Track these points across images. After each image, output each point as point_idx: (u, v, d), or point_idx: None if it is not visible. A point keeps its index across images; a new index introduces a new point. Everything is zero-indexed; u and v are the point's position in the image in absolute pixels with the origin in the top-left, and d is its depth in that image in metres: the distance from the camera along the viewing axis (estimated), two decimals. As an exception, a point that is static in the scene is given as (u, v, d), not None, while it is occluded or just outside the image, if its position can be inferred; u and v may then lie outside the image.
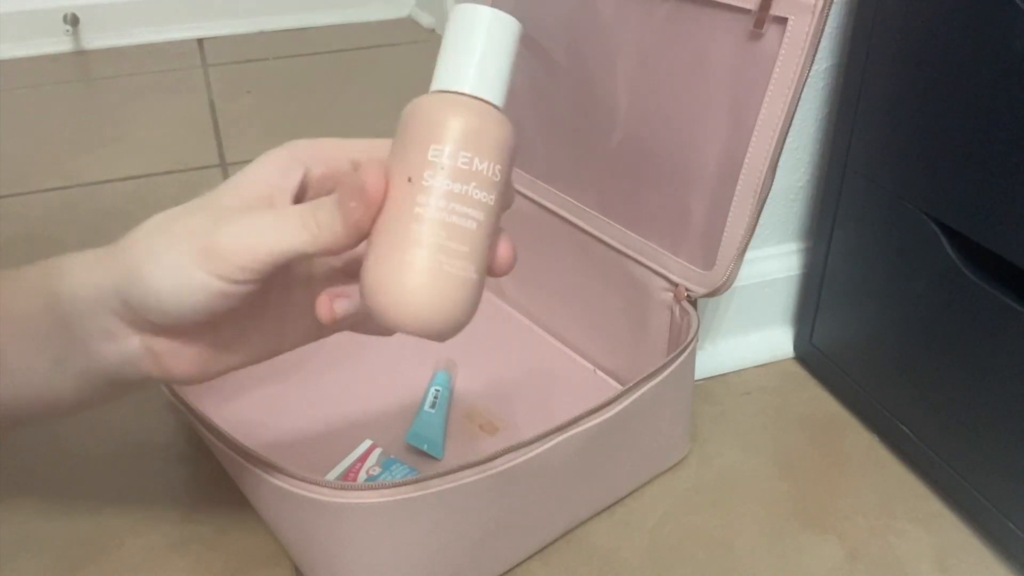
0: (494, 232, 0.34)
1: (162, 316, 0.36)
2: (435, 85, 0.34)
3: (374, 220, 0.33)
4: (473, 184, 0.32)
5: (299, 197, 0.37)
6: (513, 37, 0.34)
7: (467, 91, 0.33)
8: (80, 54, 1.56)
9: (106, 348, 0.38)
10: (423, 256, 0.32)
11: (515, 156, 0.35)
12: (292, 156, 0.37)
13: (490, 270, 0.35)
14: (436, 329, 0.33)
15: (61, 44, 1.56)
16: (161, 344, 0.38)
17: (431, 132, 0.33)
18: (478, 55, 0.33)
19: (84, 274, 0.37)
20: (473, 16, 0.34)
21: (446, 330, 0.33)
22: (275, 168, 0.36)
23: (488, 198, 0.33)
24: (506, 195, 0.35)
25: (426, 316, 0.32)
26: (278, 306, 0.40)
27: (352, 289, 0.36)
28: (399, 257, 0.32)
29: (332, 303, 0.36)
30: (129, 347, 0.38)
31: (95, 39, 1.57)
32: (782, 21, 0.49)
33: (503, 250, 0.35)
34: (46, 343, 0.38)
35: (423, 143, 0.32)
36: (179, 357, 0.38)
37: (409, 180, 0.32)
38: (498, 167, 0.33)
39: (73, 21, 1.53)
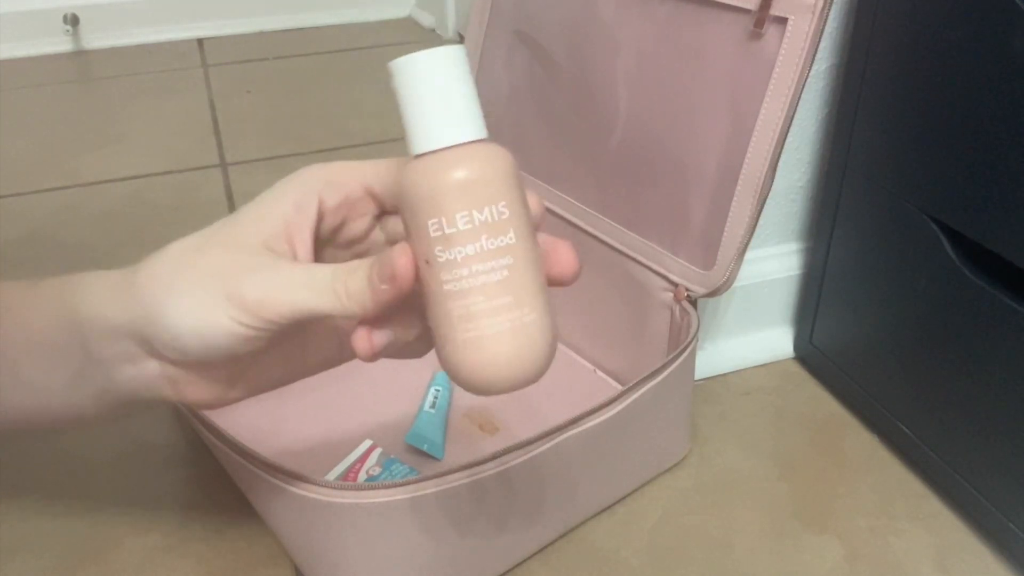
0: (533, 255, 0.33)
1: (182, 355, 0.36)
2: (411, 150, 0.33)
3: (403, 297, 0.33)
4: (484, 237, 0.32)
5: (316, 230, 0.37)
6: (460, 65, 0.33)
7: (437, 146, 0.32)
8: (80, 54, 1.56)
9: (125, 371, 0.38)
10: (474, 328, 0.32)
11: (517, 175, 0.33)
12: (305, 189, 0.36)
13: (554, 281, 0.34)
14: (520, 383, 0.33)
15: (61, 44, 1.56)
16: (179, 372, 0.38)
17: (423, 208, 0.32)
18: (430, 105, 0.32)
19: (102, 303, 0.37)
20: (410, 68, 0.32)
21: (530, 378, 0.33)
22: (291, 203, 0.36)
23: (505, 239, 0.32)
24: (526, 214, 0.33)
25: (505, 378, 0.33)
26: (299, 337, 0.40)
27: (387, 318, 0.35)
28: (455, 337, 0.32)
29: (371, 337, 0.35)
30: (148, 372, 0.38)
31: (95, 39, 1.57)
32: (782, 21, 0.49)
33: (560, 260, 0.34)
34: (64, 361, 0.38)
35: (422, 221, 0.32)
36: (197, 385, 0.38)
37: (427, 262, 0.32)
38: (501, 204, 0.32)
39: (73, 21, 1.53)
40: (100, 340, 0.37)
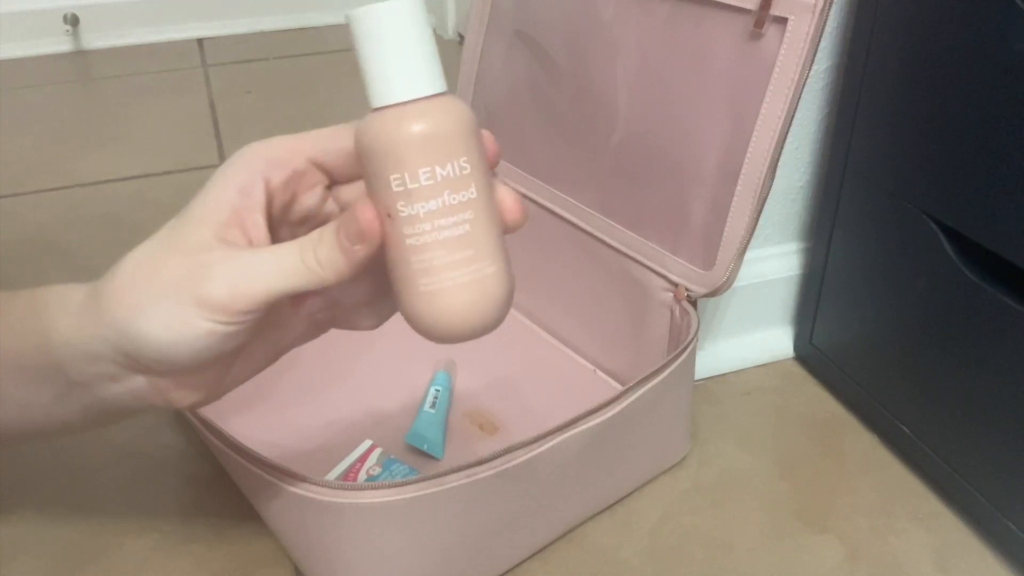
0: (492, 208, 0.34)
1: (167, 365, 0.35)
2: (371, 103, 0.33)
3: (375, 253, 0.33)
4: (447, 192, 0.32)
5: (268, 210, 0.36)
6: (419, 17, 0.32)
7: (398, 100, 0.32)
8: (80, 54, 1.56)
9: (110, 389, 0.37)
10: (435, 281, 0.32)
11: (477, 128, 0.33)
12: (248, 171, 0.36)
13: (506, 230, 0.35)
14: (478, 331, 0.34)
15: (61, 44, 1.55)
16: (167, 381, 0.37)
17: (385, 162, 0.32)
18: (390, 57, 0.32)
19: (72, 327, 0.36)
20: (365, 20, 0.32)
21: (488, 327, 0.34)
22: (235, 188, 0.35)
23: (467, 193, 0.32)
24: (485, 167, 0.33)
25: (463, 327, 0.34)
26: (275, 316, 0.39)
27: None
28: (416, 289, 0.33)
29: (305, 302, 0.37)
30: (134, 387, 0.37)
31: (95, 39, 1.57)
32: (782, 21, 0.49)
33: (507, 208, 0.35)
34: (45, 381, 0.38)
35: (384, 176, 0.32)
36: (185, 388, 0.38)
37: (389, 216, 0.32)
38: (463, 159, 0.32)
39: (73, 21, 1.53)
40: (78, 365, 0.36)
